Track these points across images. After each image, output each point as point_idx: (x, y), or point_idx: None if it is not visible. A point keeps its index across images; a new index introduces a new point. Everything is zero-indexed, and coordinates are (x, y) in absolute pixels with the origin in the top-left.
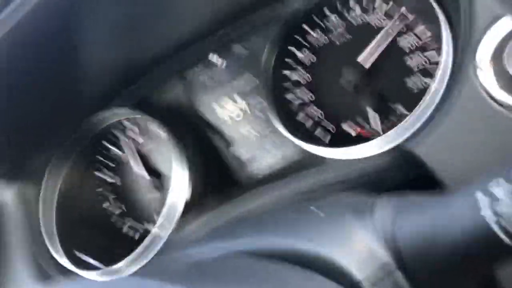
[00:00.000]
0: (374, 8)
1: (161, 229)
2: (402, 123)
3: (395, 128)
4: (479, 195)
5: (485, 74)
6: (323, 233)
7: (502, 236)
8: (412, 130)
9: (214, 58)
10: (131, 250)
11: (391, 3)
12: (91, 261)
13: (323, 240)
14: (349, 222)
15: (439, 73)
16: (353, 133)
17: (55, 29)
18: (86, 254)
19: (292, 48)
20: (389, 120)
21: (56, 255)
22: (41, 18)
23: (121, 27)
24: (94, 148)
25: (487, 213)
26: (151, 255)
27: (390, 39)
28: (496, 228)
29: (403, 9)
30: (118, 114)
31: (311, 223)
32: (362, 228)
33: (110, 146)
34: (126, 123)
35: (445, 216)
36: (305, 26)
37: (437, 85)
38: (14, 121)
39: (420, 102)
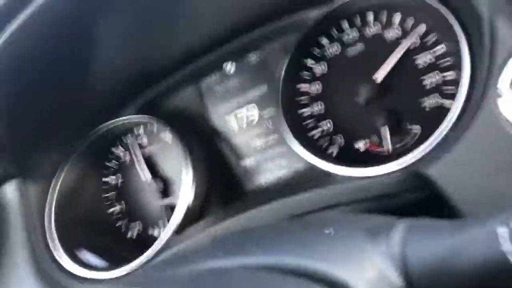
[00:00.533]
0: (391, 24)
1: (165, 236)
2: (421, 147)
3: (410, 152)
4: (500, 229)
5: (505, 101)
6: (333, 252)
7: None
8: (424, 152)
9: (228, 67)
10: (134, 253)
11: (410, 20)
12: (93, 257)
13: (332, 259)
14: (361, 243)
15: (458, 98)
16: (362, 149)
17: (69, 32)
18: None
19: (307, 60)
20: (403, 139)
21: (58, 256)
22: (55, 23)
23: (136, 33)
24: (104, 152)
25: (507, 248)
26: (153, 261)
27: (402, 52)
28: None
29: (423, 26)
30: (130, 119)
31: (320, 240)
32: (374, 249)
33: (119, 151)
34: (136, 128)
35: (461, 245)
36: (321, 38)
37: (455, 110)
38: (23, 122)
39: (439, 127)
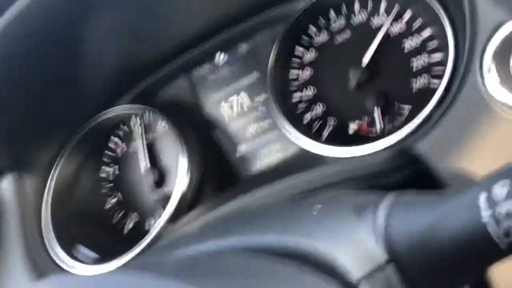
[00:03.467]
0: (378, 9)
1: (162, 227)
2: (407, 125)
3: (398, 130)
4: (481, 196)
5: (490, 78)
6: (319, 229)
7: (502, 238)
8: (412, 128)
9: (220, 57)
10: (131, 246)
11: (396, 6)
12: (89, 252)
13: (320, 236)
14: (347, 220)
15: (444, 76)
16: (351, 131)
17: (61, 24)
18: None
19: (296, 47)
20: (392, 119)
21: (54, 252)
22: (48, 13)
23: (128, 25)
24: (99, 144)
25: (487, 215)
26: (150, 251)
27: (383, 34)
28: (495, 231)
29: (408, 11)
30: (124, 109)
31: (308, 219)
32: (360, 225)
33: (114, 142)
34: (131, 119)
35: (443, 215)
36: (310, 25)
37: (441, 88)
38: (18, 115)
39: (427, 106)
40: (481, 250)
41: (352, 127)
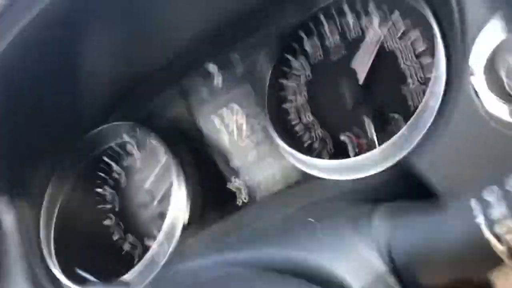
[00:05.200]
0: (367, 14)
1: (161, 246)
2: (397, 134)
3: (390, 140)
4: (473, 203)
5: (478, 79)
6: (320, 243)
7: (496, 243)
8: (410, 143)
9: (211, 67)
10: (131, 267)
11: (384, 8)
12: (91, 278)
13: (320, 250)
14: (346, 232)
15: (432, 82)
16: (350, 147)
17: (52, 43)
18: (87, 272)
19: (289, 57)
20: (388, 131)
21: (57, 274)
22: (39, 31)
23: (119, 39)
24: (95, 165)
25: (481, 220)
26: (150, 271)
27: (377, 45)
28: (490, 235)
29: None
30: (118, 130)
31: (308, 233)
32: (359, 237)
33: (108, 160)
34: (126, 138)
35: (439, 224)
36: (301, 34)
37: (430, 95)
38: (11, 138)
39: (415, 114)
40: (479, 254)
41: (348, 141)
